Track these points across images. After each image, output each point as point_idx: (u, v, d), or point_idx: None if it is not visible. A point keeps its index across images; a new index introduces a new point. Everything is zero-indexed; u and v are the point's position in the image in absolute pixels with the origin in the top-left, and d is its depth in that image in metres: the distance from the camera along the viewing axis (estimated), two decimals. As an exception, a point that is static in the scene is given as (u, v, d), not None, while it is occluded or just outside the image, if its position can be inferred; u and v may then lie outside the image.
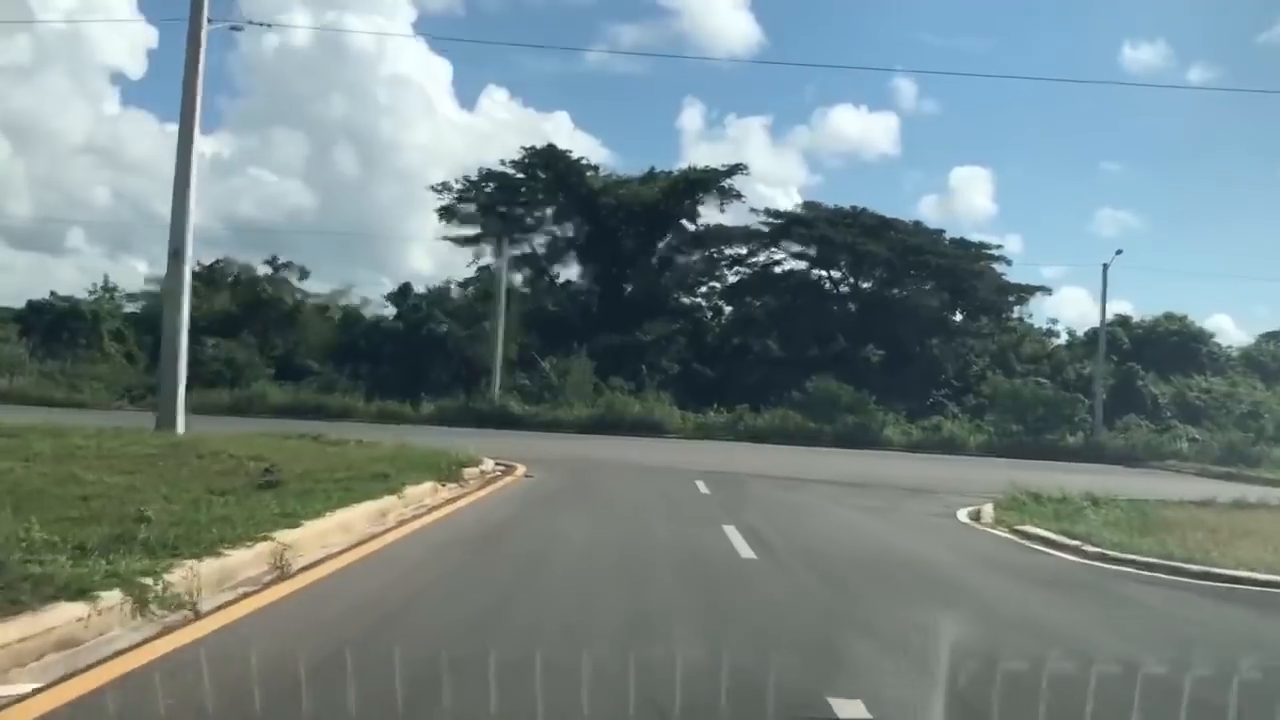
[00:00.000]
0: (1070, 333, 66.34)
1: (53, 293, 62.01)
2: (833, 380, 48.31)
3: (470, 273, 62.75)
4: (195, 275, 60.52)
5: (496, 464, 20.43)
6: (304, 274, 63.16)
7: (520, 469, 20.36)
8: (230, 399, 48.13)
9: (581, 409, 48.23)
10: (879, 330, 61.33)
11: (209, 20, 22.80)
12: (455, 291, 57.55)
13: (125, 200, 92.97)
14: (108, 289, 64.65)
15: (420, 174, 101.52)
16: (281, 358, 55.48)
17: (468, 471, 17.74)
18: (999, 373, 58.00)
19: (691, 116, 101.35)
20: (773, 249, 61.94)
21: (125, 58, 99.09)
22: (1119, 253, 47.68)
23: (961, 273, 58.04)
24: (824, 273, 63.06)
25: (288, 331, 56.33)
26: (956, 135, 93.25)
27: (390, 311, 55.77)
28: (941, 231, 59.41)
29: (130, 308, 61.01)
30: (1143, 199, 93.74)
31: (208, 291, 57.41)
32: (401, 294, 54.98)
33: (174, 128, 23.93)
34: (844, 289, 62.69)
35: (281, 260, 62.14)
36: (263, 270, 60.54)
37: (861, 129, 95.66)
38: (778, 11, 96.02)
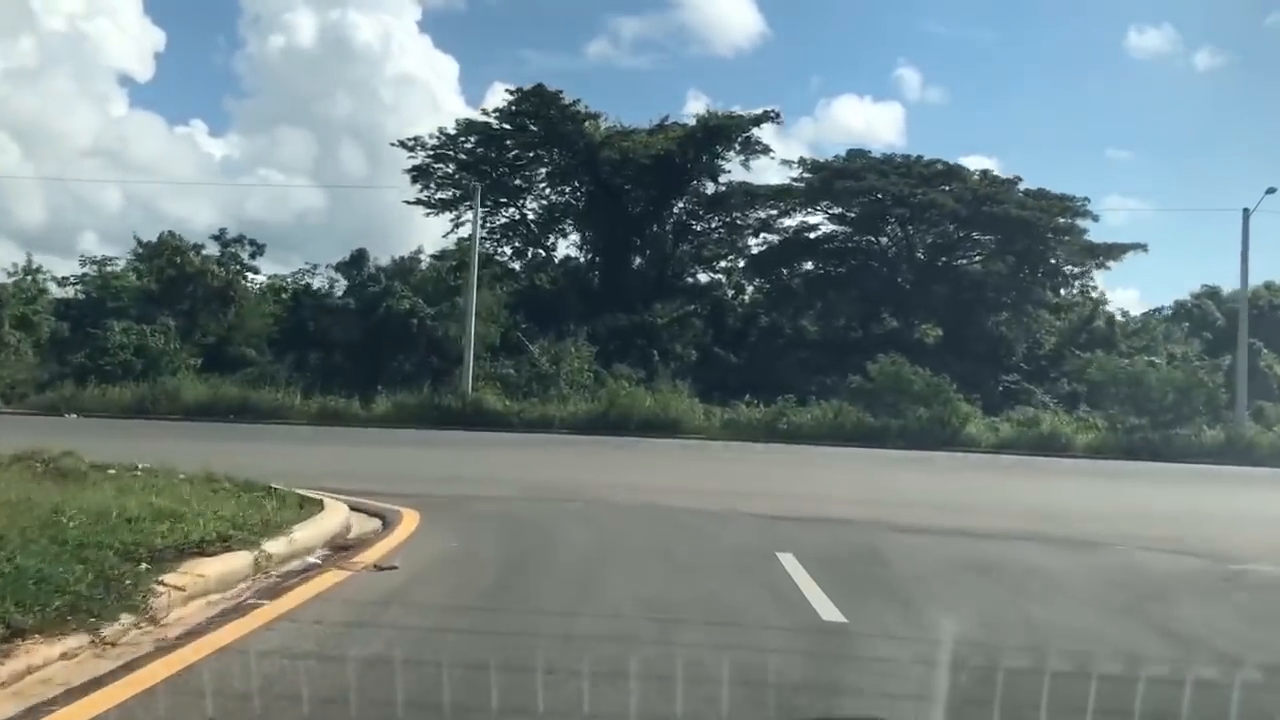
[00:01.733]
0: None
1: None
2: (900, 362, 37.90)
3: (450, 245, 52.53)
4: (136, 255, 52.30)
5: (378, 512, 10.36)
6: (257, 250, 53.00)
7: (401, 527, 9.98)
8: (134, 396, 38.11)
9: (578, 404, 38.10)
10: (936, 303, 51.00)
11: None
12: (427, 263, 47.05)
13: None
14: (29, 271, 54.63)
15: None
16: (214, 346, 45.39)
17: (221, 567, 6.97)
18: (1083, 353, 47.75)
19: (695, 110, 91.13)
20: (810, 209, 51.39)
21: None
22: (1271, 191, 36.47)
23: (1039, 230, 47.42)
24: (871, 237, 52.52)
25: (221, 314, 46.18)
26: (962, 124, 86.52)
27: (340, 286, 45.46)
28: (1016, 180, 48.88)
29: (60, 293, 50.68)
30: (1150, 185, 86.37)
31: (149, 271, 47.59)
32: (354, 264, 44.62)
33: None
34: (894, 253, 52.11)
35: (232, 235, 52.00)
36: (212, 248, 50.42)
37: (866, 120, 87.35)
38: (779, 1, 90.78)
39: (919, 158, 48.73)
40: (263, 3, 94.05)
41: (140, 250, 46.60)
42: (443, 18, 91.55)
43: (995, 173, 48.72)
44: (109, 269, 51.00)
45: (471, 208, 42.10)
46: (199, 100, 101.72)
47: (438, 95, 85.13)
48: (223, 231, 51.75)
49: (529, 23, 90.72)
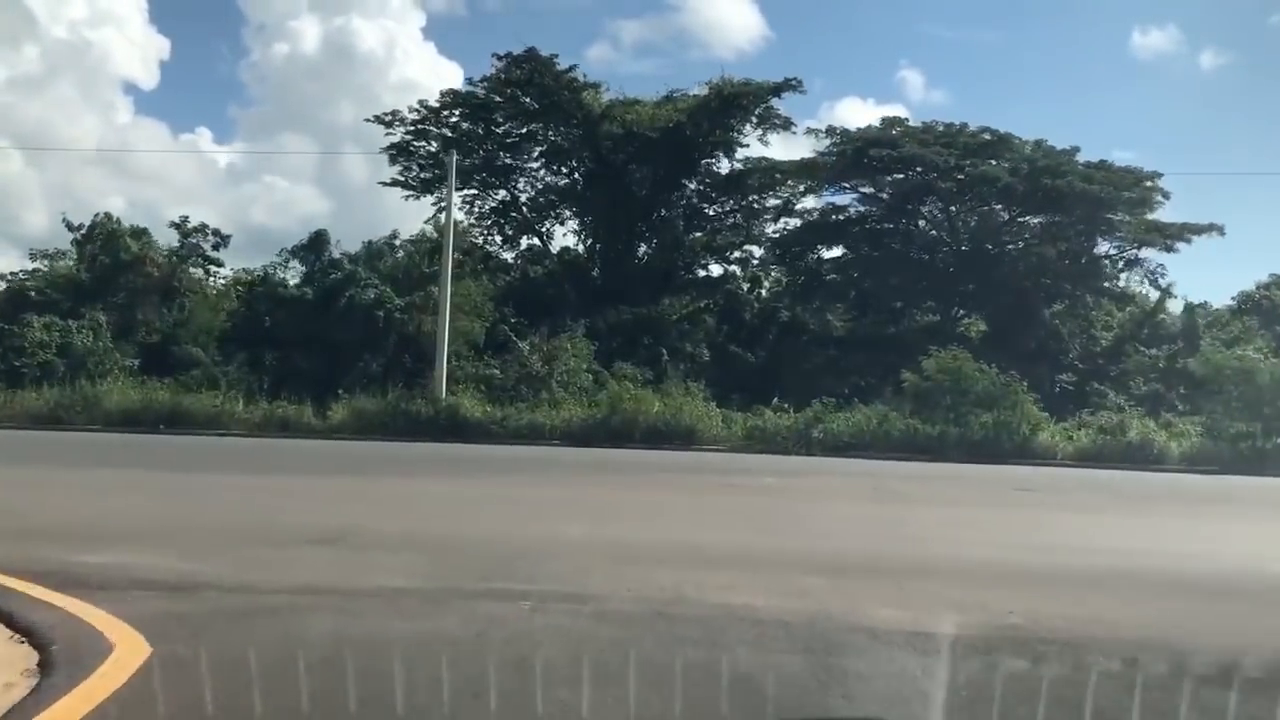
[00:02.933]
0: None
1: None
2: (962, 356, 31.78)
3: (431, 231, 46.36)
4: (75, 243, 46.13)
5: (63, 634, 4.54)
6: (221, 241, 47.02)
7: (75, 691, 4.07)
8: (49, 402, 32.15)
9: (574, 408, 32.09)
10: (981, 293, 44.88)
11: None
12: (402, 250, 40.84)
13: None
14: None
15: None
16: (157, 345, 39.44)
17: None
18: (1147, 349, 41.72)
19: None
20: (838, 187, 45.25)
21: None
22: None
23: (1101, 208, 41.14)
24: (905, 219, 46.32)
25: (164, 310, 40.20)
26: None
27: (295, 275, 39.38)
28: (1074, 150, 42.52)
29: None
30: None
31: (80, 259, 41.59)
32: (312, 248, 38.53)
33: None
34: (934, 236, 45.92)
35: (194, 224, 45.98)
36: (169, 237, 44.33)
37: (869, 122, 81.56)
38: (781, 3, 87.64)
39: (964, 125, 42.62)
40: (267, 11, 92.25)
41: (76, 237, 40.60)
42: (446, 24, 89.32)
43: (1050, 142, 42.44)
44: (60, 263, 45.17)
45: (452, 183, 35.94)
46: (204, 108, 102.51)
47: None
48: (183, 220, 45.93)
49: (530, 27, 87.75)
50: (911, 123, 42.90)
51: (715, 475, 17.32)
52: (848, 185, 45.08)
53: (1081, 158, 42.15)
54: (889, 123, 42.98)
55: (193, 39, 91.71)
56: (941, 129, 42.42)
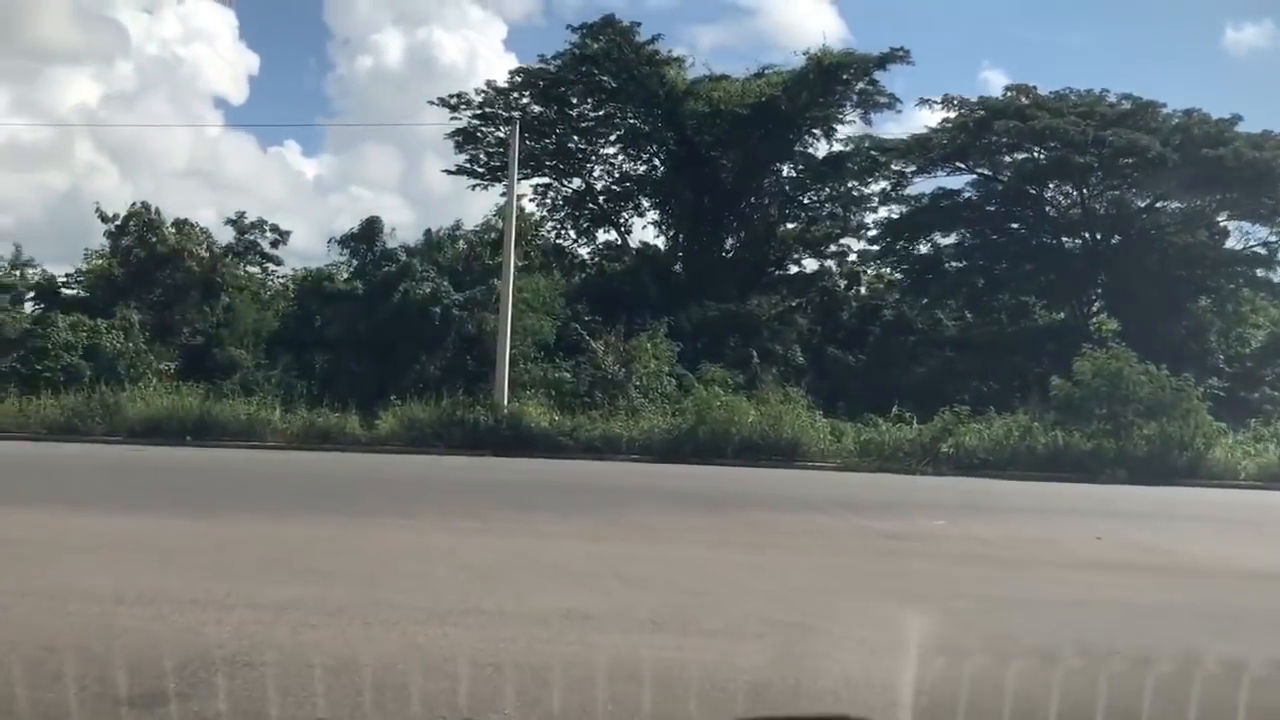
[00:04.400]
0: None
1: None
2: (1123, 356, 26.67)
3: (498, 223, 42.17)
4: (108, 235, 42.79)
5: None
6: (280, 237, 43.41)
7: None
8: (64, 411, 28.58)
9: (655, 417, 27.66)
10: (1117, 286, 39.42)
11: None
12: (462, 241, 36.55)
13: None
14: (17, 265, 45.86)
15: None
16: (200, 347, 35.79)
17: None
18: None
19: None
20: (950, 167, 40.02)
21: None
22: None
23: (1270, 184, 35.43)
24: (1022, 206, 41.01)
25: (206, 308, 36.52)
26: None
27: (342, 265, 35.23)
28: (1236, 119, 36.82)
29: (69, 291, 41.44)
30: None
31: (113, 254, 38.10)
32: (363, 238, 34.45)
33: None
34: (1061, 223, 40.51)
35: (251, 219, 42.41)
36: (227, 233, 40.83)
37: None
38: (859, 4, 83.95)
39: (1103, 93, 37.15)
40: (351, 25, 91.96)
41: (110, 229, 37.09)
42: (525, 33, 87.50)
43: (1205, 111, 36.79)
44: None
45: (515, 156, 31.61)
46: (292, 121, 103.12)
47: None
48: (240, 215, 42.37)
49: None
50: (1041, 91, 37.61)
51: (856, 514, 12.67)
52: (963, 165, 39.88)
53: (1242, 126, 36.55)
54: (1016, 91, 37.72)
55: (281, 54, 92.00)
56: (1075, 98, 37.06)
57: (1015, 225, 41.27)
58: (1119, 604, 7.54)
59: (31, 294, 39.67)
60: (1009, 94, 38.19)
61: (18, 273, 45.68)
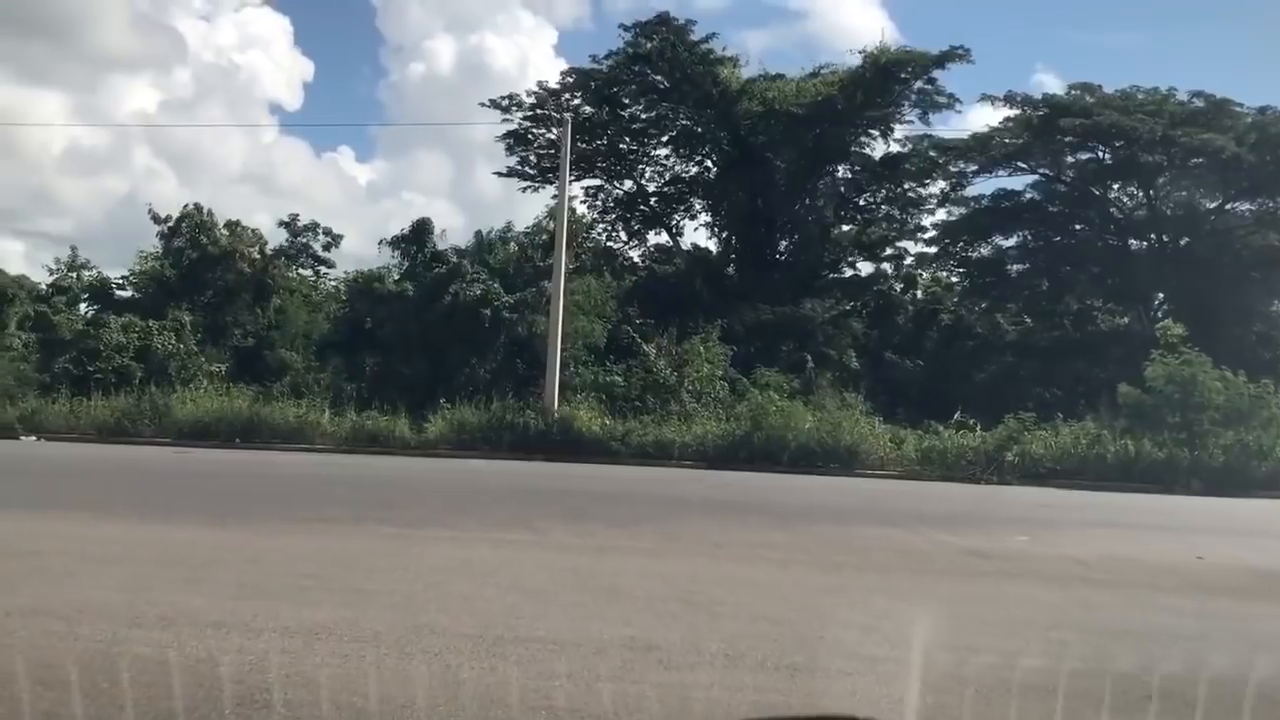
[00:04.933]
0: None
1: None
2: (1197, 361, 25.50)
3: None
4: (161, 236, 42.75)
5: None
6: (333, 240, 43.30)
7: None
8: (113, 413, 28.44)
9: (708, 423, 26.94)
10: (1184, 290, 38.01)
11: None
12: (513, 243, 36.01)
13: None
14: (73, 267, 46.16)
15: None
16: (250, 349, 35.60)
17: None
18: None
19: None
20: (1012, 167, 38.83)
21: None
22: None
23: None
24: (1090, 207, 39.71)
25: (257, 310, 36.33)
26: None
27: (394, 268, 34.74)
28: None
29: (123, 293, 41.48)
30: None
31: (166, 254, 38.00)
32: (413, 239, 34.01)
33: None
34: (1127, 222, 39.17)
35: (304, 221, 42.30)
36: (280, 236, 40.70)
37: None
38: (910, 6, 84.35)
39: (1171, 91, 35.84)
40: (404, 32, 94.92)
41: (162, 230, 36.99)
42: (575, 39, 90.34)
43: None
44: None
45: (567, 153, 30.98)
46: (347, 127, 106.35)
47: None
48: (293, 218, 42.30)
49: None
50: (1107, 89, 36.34)
51: (932, 528, 11.84)
52: (1025, 165, 38.73)
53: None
54: (1080, 89, 36.48)
55: (335, 61, 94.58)
56: (1142, 96, 35.78)
57: (1079, 227, 40.03)
58: (1246, 637, 6.72)
59: (86, 295, 39.84)
60: (1073, 92, 36.96)
61: (74, 275, 46.11)
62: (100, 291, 37.86)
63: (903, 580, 8.20)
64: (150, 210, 37.71)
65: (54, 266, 45.32)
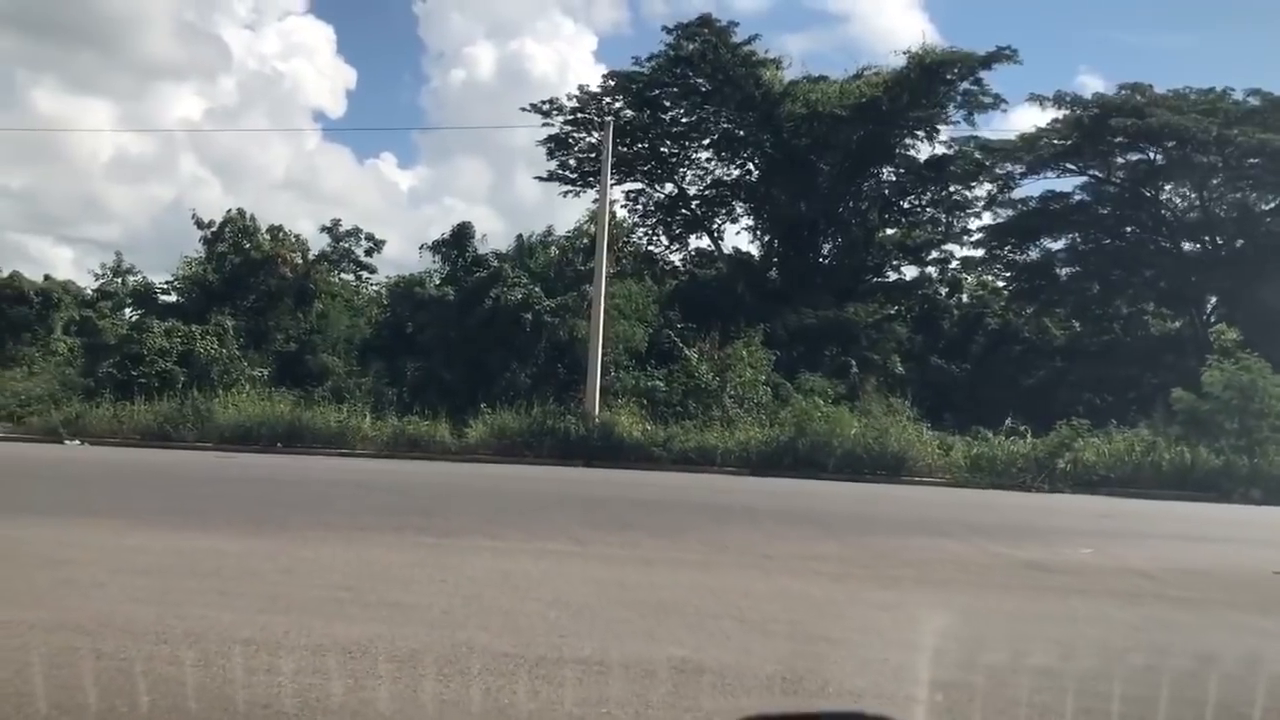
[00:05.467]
0: None
1: (14, 272, 44.14)
2: (1255, 367, 24.76)
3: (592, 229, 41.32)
4: (204, 241, 42.92)
5: None
6: (375, 245, 43.38)
7: None
8: (155, 417, 28.50)
9: (751, 428, 26.54)
10: (1239, 292, 37.04)
11: None
12: (554, 247, 35.77)
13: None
14: (120, 272, 46.63)
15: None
16: (292, 354, 35.58)
17: None
18: None
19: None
20: (1061, 168, 38.04)
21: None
22: None
23: None
24: (1141, 209, 38.84)
25: (299, 314, 36.32)
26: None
27: (435, 273, 34.53)
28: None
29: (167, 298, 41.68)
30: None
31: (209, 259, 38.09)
32: (454, 243, 33.83)
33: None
34: (1179, 224, 38.26)
35: (346, 227, 42.39)
36: (322, 241, 40.77)
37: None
38: (951, 9, 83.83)
39: (1226, 91, 34.98)
40: (445, 39, 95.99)
41: (206, 235, 37.12)
42: (615, 44, 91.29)
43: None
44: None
45: (609, 155, 30.69)
46: (388, 133, 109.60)
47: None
48: (335, 223, 42.38)
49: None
50: (1158, 89, 35.52)
51: (988, 540, 11.36)
52: (1074, 166, 37.96)
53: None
54: (1131, 89, 35.68)
55: (377, 68, 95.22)
56: (1195, 95, 34.93)
57: (1129, 229, 39.18)
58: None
59: (130, 300, 40.09)
60: (1124, 91, 36.17)
61: (119, 280, 46.52)
62: (144, 296, 38.06)
63: (964, 596, 7.78)
64: (194, 215, 37.88)
65: (99, 272, 45.79)
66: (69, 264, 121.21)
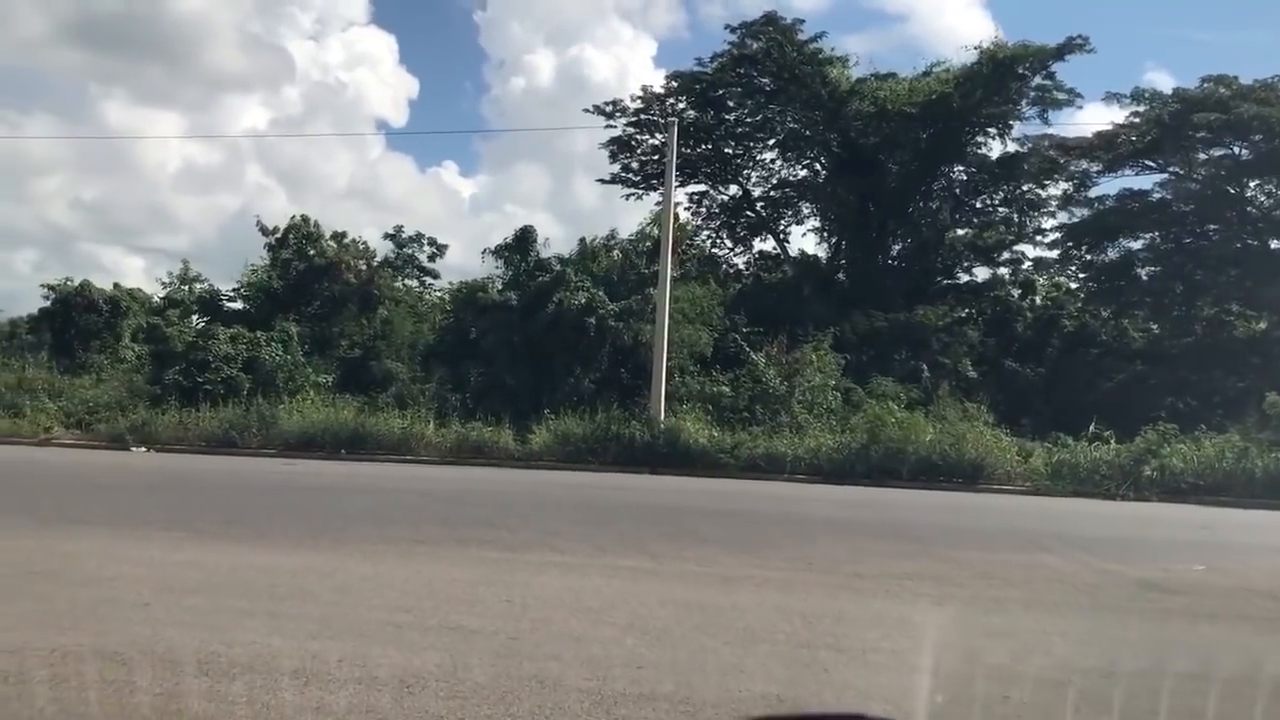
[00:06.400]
0: None
1: (85, 281, 44.51)
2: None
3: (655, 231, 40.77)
4: (269, 247, 43.09)
5: None
6: (438, 251, 43.28)
7: None
8: (220, 424, 28.46)
9: (821, 434, 25.79)
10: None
11: None
12: (617, 250, 35.23)
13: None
14: (187, 280, 46.94)
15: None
16: (356, 359, 35.42)
17: None
18: None
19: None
20: (1145, 165, 36.76)
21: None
22: None
23: None
24: (1226, 207, 37.40)
25: (363, 320, 36.16)
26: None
27: (498, 278, 34.12)
28: None
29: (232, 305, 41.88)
30: None
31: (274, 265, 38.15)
32: (517, 248, 33.46)
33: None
34: (1273, 218, 36.70)
35: (409, 232, 42.34)
36: (384, 247, 40.76)
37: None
38: (1012, 7, 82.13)
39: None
40: (505, 47, 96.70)
41: (270, 241, 37.13)
42: (674, 49, 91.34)
43: None
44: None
45: (673, 156, 30.12)
46: (450, 142, 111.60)
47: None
48: (398, 229, 42.35)
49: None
50: (1243, 80, 34.08)
51: (1091, 555, 10.56)
52: (1153, 164, 36.66)
53: None
54: (1214, 82, 34.32)
55: (439, 77, 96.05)
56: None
57: (1212, 227, 37.72)
58: None
59: (196, 308, 40.27)
60: (1206, 85, 34.80)
61: (185, 288, 46.84)
62: (210, 303, 38.21)
63: (1079, 621, 7.07)
64: (258, 222, 37.96)
65: (167, 280, 46.13)
66: (140, 273, 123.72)
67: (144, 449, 27.60)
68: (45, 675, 4.87)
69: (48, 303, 41.95)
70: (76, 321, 40.59)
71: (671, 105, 41.99)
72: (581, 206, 78.23)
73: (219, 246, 79.53)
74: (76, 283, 41.87)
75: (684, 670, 5.34)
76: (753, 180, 44.50)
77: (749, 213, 44.84)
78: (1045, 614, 7.20)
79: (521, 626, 6.23)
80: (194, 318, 41.07)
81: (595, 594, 7.33)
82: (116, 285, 42.40)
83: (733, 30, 39.92)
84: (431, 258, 43.48)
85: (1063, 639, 6.41)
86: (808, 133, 41.90)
